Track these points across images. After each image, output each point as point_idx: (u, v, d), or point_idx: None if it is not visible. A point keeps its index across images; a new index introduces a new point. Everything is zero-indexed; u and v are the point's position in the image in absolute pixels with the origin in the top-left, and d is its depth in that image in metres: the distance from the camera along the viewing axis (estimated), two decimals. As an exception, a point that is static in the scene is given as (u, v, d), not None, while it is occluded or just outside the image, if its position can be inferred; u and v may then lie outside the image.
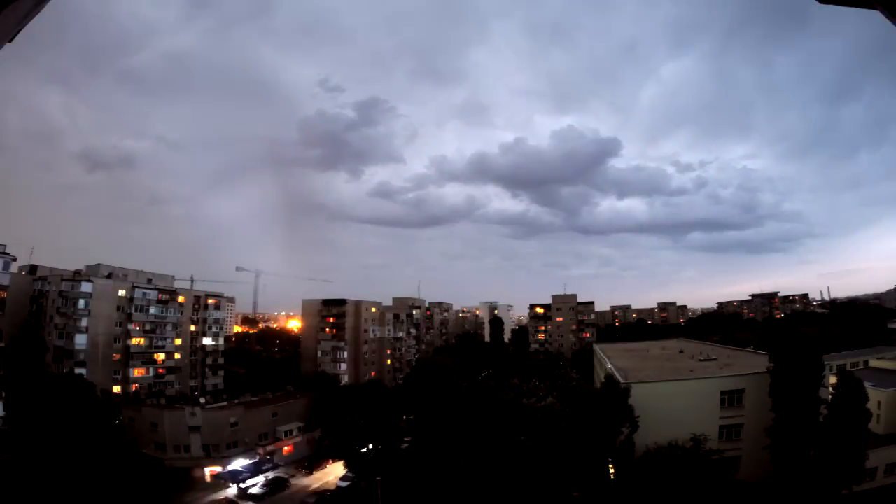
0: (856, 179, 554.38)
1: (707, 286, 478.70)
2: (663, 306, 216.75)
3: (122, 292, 78.60)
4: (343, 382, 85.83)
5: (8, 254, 64.18)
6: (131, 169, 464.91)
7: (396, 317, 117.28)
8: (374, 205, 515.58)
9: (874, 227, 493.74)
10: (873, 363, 60.01)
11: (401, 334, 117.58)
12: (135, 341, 78.52)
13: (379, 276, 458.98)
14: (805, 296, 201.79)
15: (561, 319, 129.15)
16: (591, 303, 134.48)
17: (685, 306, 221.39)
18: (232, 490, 52.80)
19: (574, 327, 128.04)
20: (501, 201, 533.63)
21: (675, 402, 39.36)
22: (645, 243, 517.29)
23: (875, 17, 3.52)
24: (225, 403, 72.06)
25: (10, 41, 4.23)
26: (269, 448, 62.32)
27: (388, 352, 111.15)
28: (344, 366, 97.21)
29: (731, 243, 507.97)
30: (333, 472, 57.47)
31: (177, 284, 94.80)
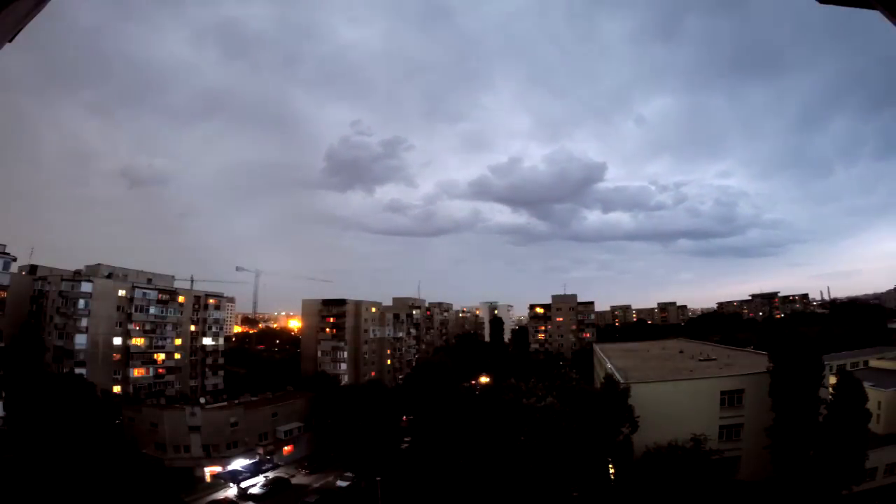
0: (834, 193, 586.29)
1: (706, 287, 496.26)
2: (663, 306, 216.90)
3: (122, 292, 78.59)
4: (343, 382, 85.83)
5: (8, 254, 64.19)
6: (162, 185, 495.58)
7: (396, 317, 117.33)
8: (386, 217, 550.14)
9: (863, 233, 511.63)
10: (873, 363, 59.99)
11: (401, 334, 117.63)
12: (135, 341, 78.51)
13: (383, 277, 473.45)
14: (805, 296, 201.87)
15: (561, 319, 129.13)
16: (591, 303, 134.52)
17: (685, 306, 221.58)
18: (232, 490, 52.81)
19: (574, 327, 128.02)
20: (503, 215, 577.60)
21: (675, 402, 39.36)
22: (638, 248, 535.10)
23: (875, 17, 3.52)
24: (225, 403, 72.05)
25: (10, 41, 4.23)
26: (269, 448, 62.35)
27: (388, 352, 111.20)
28: (344, 366, 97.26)
29: (719, 248, 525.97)
30: (334, 472, 57.48)
31: (177, 284, 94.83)
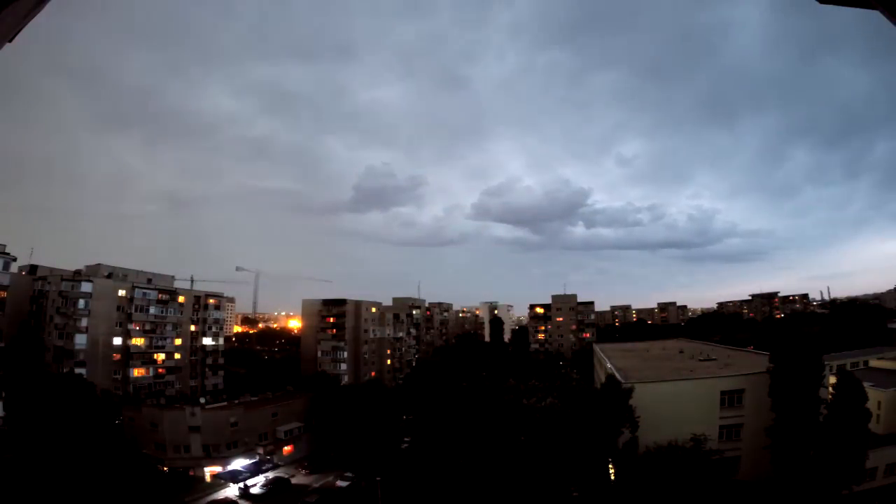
0: (803, 210, 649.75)
1: (706, 287, 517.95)
2: (663, 306, 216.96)
3: (122, 292, 78.60)
4: (343, 382, 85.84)
5: (8, 254, 64.12)
6: (196, 206, 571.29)
7: (396, 317, 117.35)
8: (400, 232, 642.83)
9: (852, 239, 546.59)
10: (873, 363, 60.01)
11: (401, 334, 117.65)
12: (135, 341, 78.51)
13: (384, 278, 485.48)
14: (805, 296, 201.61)
15: (561, 319, 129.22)
16: (591, 303, 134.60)
17: (685, 306, 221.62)
18: (232, 490, 52.81)
19: (574, 327, 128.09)
20: (504, 231, 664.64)
21: (675, 402, 39.35)
22: (630, 256, 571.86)
23: (875, 17, 3.52)
24: (225, 403, 72.01)
25: (10, 41, 4.23)
26: (269, 448, 62.34)
27: (388, 352, 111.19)
28: (344, 366, 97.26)
29: (705, 255, 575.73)
30: (334, 472, 57.48)
31: (177, 284, 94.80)
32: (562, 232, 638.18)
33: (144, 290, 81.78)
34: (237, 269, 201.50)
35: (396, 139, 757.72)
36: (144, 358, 79.80)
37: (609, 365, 51.73)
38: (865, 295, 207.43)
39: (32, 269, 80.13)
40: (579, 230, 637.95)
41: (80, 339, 71.86)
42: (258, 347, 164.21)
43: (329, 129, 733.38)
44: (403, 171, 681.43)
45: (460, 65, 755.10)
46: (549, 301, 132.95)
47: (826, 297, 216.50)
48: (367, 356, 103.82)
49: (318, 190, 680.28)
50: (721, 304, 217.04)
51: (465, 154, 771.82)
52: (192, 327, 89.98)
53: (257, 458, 59.94)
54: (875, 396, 42.15)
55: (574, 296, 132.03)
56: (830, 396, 37.06)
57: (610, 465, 39.59)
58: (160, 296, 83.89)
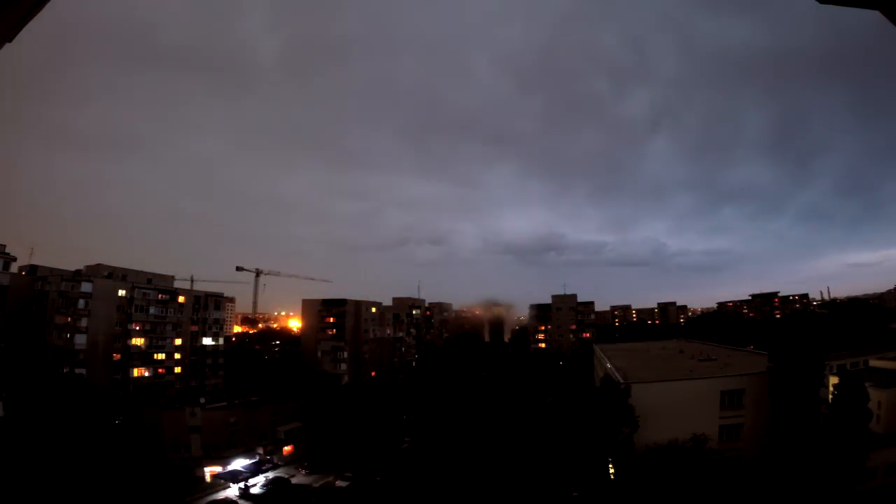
0: (747, 239, 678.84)
1: (706, 287, 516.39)
2: (663, 306, 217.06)
3: (122, 292, 78.59)
4: (343, 382, 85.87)
5: (8, 254, 64.14)
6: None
7: (396, 317, 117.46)
8: (421, 255, 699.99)
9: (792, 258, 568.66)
10: (873, 363, 59.90)
11: (401, 334, 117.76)
12: (135, 341, 78.53)
13: (384, 278, 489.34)
14: (805, 296, 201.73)
15: (561, 319, 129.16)
16: (591, 303, 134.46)
17: (685, 306, 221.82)
18: (232, 490, 52.83)
19: (574, 327, 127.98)
20: (503, 256, 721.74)
21: (675, 402, 39.32)
22: (615, 271, 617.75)
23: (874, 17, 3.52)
24: (225, 403, 72.03)
25: (9, 41, 4.24)
26: (269, 448, 62.36)
27: (388, 352, 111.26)
28: (344, 366, 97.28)
29: (679, 265, 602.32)
30: (334, 472, 57.49)
31: (177, 284, 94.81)
32: (541, 259, 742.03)
33: (144, 290, 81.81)
34: (237, 269, 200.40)
35: (429, 206, 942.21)
36: (144, 358, 79.82)
37: (608, 364, 51.70)
38: (865, 295, 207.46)
39: (32, 269, 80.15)
40: (553, 257, 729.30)
41: (80, 339, 71.83)
42: (258, 347, 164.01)
43: (384, 206, 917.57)
44: (436, 226, 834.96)
45: (472, 173, 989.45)
46: (549, 301, 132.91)
47: (826, 297, 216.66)
48: (367, 356, 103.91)
49: (368, 237, 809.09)
50: (721, 304, 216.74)
51: (478, 214, 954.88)
52: (193, 327, 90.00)
53: (257, 458, 60.00)
54: (875, 396, 42.05)
55: (574, 296, 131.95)
56: (831, 396, 37.07)
57: (610, 465, 39.63)
58: (160, 296, 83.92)
